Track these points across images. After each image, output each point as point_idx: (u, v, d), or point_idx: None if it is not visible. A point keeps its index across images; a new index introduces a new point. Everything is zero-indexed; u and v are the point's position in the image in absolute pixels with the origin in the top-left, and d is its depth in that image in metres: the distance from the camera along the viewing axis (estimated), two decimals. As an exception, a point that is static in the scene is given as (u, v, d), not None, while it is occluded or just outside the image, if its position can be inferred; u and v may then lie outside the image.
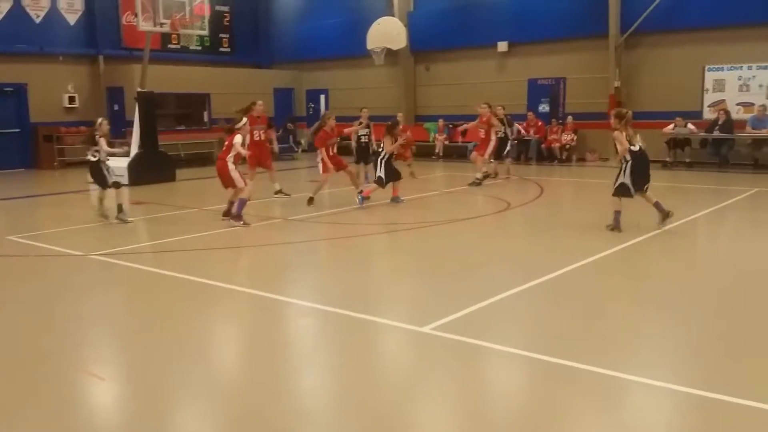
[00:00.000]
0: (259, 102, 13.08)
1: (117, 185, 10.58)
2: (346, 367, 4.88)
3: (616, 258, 7.85)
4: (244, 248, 8.92)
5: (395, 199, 12.06)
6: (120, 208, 10.51)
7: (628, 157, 8.87)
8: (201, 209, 11.89)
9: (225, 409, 4.19)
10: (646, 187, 9.04)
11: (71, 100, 20.64)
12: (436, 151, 21.32)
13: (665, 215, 9.05)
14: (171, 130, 20.87)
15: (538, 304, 6.24)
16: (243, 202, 10.12)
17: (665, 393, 4.23)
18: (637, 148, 8.93)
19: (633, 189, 8.93)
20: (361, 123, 14.32)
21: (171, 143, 19.92)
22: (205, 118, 22.63)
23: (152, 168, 15.95)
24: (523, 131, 19.06)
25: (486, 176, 14.59)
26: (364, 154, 14.28)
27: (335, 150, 12.29)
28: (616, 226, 9.04)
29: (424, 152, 21.86)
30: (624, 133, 8.83)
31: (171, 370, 4.80)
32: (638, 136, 9.05)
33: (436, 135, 21.58)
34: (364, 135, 14.34)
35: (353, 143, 14.53)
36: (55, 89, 20.34)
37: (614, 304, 6.20)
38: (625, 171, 8.93)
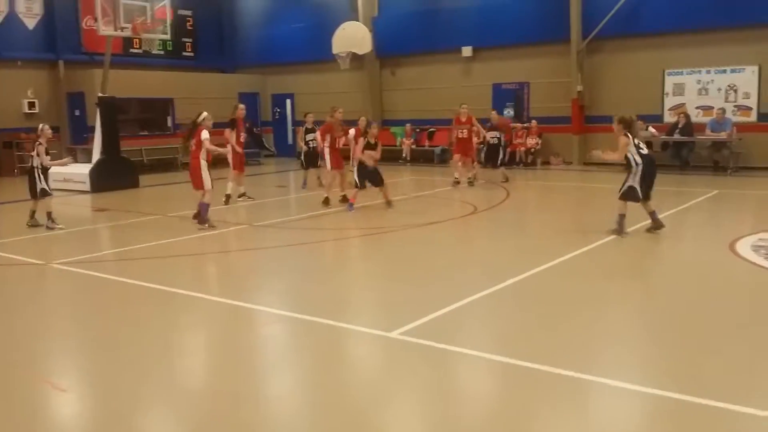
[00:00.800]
0: (241, 106, 13.22)
1: (44, 193, 10.35)
2: (313, 373, 4.85)
3: (581, 260, 7.93)
4: (209, 255, 8.82)
5: (388, 204, 11.86)
6: (49, 216, 10.34)
7: (639, 161, 8.74)
8: (165, 215, 11.73)
9: (191, 416, 4.13)
10: (649, 194, 8.98)
11: (31, 105, 20.24)
12: (403, 155, 21.38)
13: (659, 225, 9.05)
14: (134, 136, 20.59)
15: (505, 307, 6.27)
16: (205, 207, 10.00)
17: (631, 394, 4.28)
18: (645, 152, 8.90)
19: (641, 194, 8.82)
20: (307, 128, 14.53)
21: (134, 149, 19.68)
22: (169, 124, 22.36)
23: (115, 174, 15.70)
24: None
25: (467, 181, 14.85)
26: (312, 159, 14.48)
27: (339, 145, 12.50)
28: (621, 231, 8.91)
29: (391, 157, 21.91)
30: (630, 139, 8.78)
31: (136, 379, 4.72)
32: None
33: (403, 139, 21.63)
34: (312, 140, 14.36)
35: (302, 147, 14.67)
36: (14, 95, 19.92)
37: (580, 306, 6.26)
38: (635, 175, 8.79)
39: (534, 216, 12.30)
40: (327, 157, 12.54)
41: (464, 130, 14.70)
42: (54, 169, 16.29)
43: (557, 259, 7.79)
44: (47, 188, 10.38)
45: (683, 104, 17.48)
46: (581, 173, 17.80)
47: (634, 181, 8.82)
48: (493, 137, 15.10)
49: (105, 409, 4.29)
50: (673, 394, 4.18)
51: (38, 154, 10.24)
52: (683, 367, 4.73)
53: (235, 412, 4.14)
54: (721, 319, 5.76)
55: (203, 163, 10.01)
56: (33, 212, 10.56)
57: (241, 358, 5.17)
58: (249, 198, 13.02)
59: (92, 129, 16.90)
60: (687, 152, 17.09)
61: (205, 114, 10.19)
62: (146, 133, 21.74)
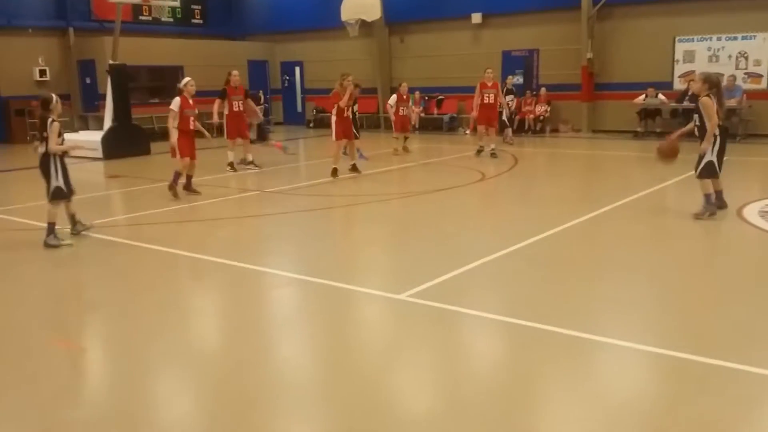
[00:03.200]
0: (234, 72, 13.06)
1: (59, 194, 7.55)
2: (324, 335, 5.00)
3: (589, 226, 8.03)
4: (221, 220, 8.97)
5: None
6: (72, 219, 7.90)
7: (717, 132, 7.83)
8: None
9: (204, 378, 4.27)
10: (720, 168, 8.03)
11: (42, 73, 20.31)
12: (412, 123, 21.36)
13: (724, 205, 8.20)
14: (144, 104, 20.65)
15: (513, 270, 6.40)
16: (177, 174, 10.02)
17: (638, 354, 4.41)
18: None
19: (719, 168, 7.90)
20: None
21: (145, 116, 19.75)
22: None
23: (126, 142, 15.83)
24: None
25: (490, 152, 14.25)
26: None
27: (350, 114, 12.13)
28: (711, 212, 7.93)
29: (400, 124, 21.95)
30: (714, 104, 7.71)
31: (150, 341, 4.88)
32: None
33: (412, 107, 21.60)
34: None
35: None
36: (26, 62, 19.99)
37: (588, 270, 6.38)
38: (713, 148, 7.86)
39: (543, 182, 12.37)
40: (333, 126, 12.27)
41: (491, 95, 14.15)
42: (67, 136, 16.57)
43: (565, 225, 7.89)
44: (63, 187, 7.56)
45: (693, 71, 17.35)
46: (590, 140, 17.81)
47: (713, 155, 7.87)
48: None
49: (120, 370, 4.45)
50: (679, 354, 4.29)
51: (50, 137, 7.36)
52: (690, 328, 4.86)
53: (248, 373, 4.28)
54: (729, 283, 5.87)
55: (173, 132, 9.90)
56: (72, 216, 7.89)
57: (253, 320, 5.33)
58: (256, 166, 13.07)
59: (103, 96, 17.00)
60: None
61: (186, 80, 10.06)
62: (157, 100, 21.77)
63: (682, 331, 4.79)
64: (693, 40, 17.40)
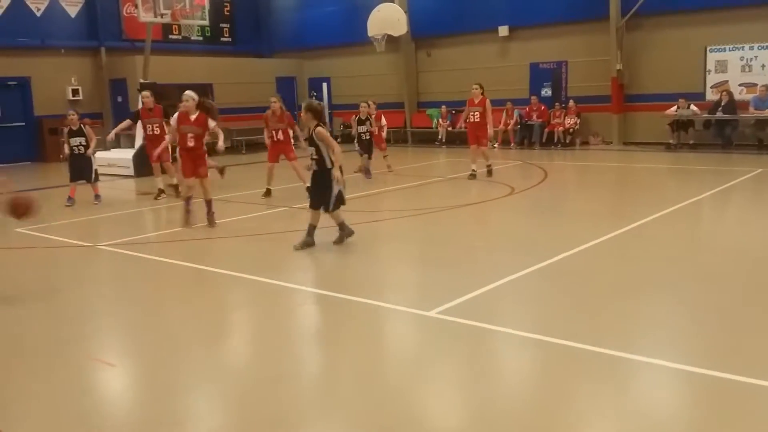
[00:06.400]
0: (145, 93, 12.79)
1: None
2: (353, 352, 4.95)
3: (620, 241, 7.89)
4: (249, 237, 8.99)
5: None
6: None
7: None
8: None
9: (233, 393, 4.26)
10: None
11: (75, 92, 20.71)
12: (439, 137, 21.37)
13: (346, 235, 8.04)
14: (175, 121, 20.87)
15: (543, 286, 6.30)
16: (186, 200, 9.66)
17: (672, 373, 4.29)
18: None
19: None
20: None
21: (175, 134, 19.94)
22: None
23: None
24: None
25: (486, 170, 13.52)
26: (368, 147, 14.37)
27: (279, 137, 12.00)
28: (340, 239, 7.97)
29: (427, 139, 21.94)
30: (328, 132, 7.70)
31: (180, 357, 4.89)
32: None
33: (439, 121, 21.60)
34: (363, 131, 14.28)
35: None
36: (59, 82, 20.41)
37: (619, 286, 6.25)
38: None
39: (572, 197, 12.23)
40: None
41: (476, 112, 13.21)
42: (99, 155, 16.82)
43: (597, 240, 7.77)
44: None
45: (726, 81, 17.11)
46: (621, 153, 17.59)
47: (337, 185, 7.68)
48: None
49: (151, 385, 4.46)
50: (714, 372, 4.18)
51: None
52: (724, 347, 4.72)
53: (277, 389, 4.26)
54: (764, 300, 5.71)
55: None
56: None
57: (282, 336, 5.31)
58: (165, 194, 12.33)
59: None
60: (730, 131, 16.76)
61: (186, 93, 9.69)
62: (186, 118, 22.02)
63: (718, 350, 4.65)
64: (725, 49, 17.13)
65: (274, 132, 12.10)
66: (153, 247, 8.59)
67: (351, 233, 8.04)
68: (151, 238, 9.25)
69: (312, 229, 7.85)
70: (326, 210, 7.78)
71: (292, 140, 12.28)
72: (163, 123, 12.18)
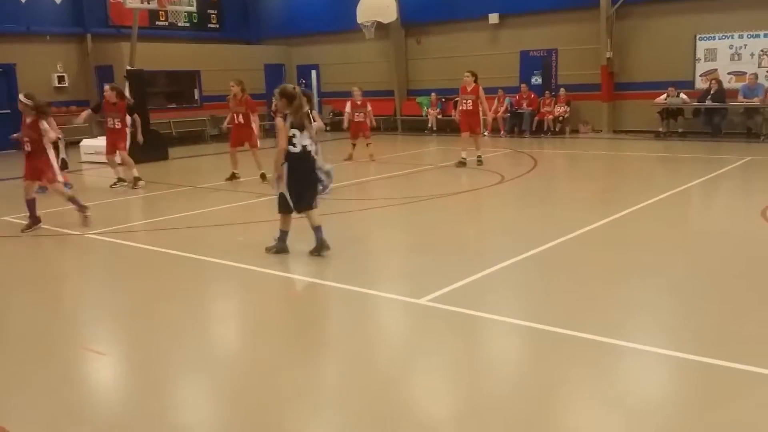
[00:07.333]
0: (107, 86, 12.77)
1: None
2: (343, 339, 4.93)
3: (608, 229, 7.89)
4: (239, 225, 8.93)
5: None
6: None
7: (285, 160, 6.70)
8: (195, 187, 11.87)
9: (223, 383, 4.23)
10: None
11: (60, 79, 20.46)
12: (429, 125, 21.31)
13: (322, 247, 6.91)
14: (162, 109, 20.73)
15: (533, 274, 6.29)
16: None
17: (660, 359, 4.30)
18: None
19: None
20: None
21: (162, 121, 19.82)
22: (196, 96, 22.48)
23: (144, 147, 15.82)
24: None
25: (477, 159, 13.29)
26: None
27: (240, 120, 12.12)
28: (277, 249, 7.00)
29: (417, 127, 21.88)
30: (287, 126, 6.65)
31: (170, 345, 4.84)
32: None
33: (429, 109, 21.54)
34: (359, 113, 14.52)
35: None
36: (44, 69, 20.13)
37: (608, 273, 6.26)
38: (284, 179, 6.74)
39: (561, 185, 12.23)
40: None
41: (468, 100, 13.20)
42: (86, 142, 16.67)
43: (587, 227, 7.76)
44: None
45: (715, 70, 17.14)
46: (611, 141, 17.62)
47: (284, 187, 6.76)
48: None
49: (142, 374, 4.41)
50: (701, 358, 4.19)
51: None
52: (711, 332, 4.73)
53: (268, 379, 4.23)
54: (751, 286, 5.72)
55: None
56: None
57: (271, 325, 5.28)
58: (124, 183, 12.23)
59: (121, 102, 17.04)
60: (719, 119, 16.82)
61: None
62: (174, 105, 21.88)
63: (707, 336, 4.66)
64: (714, 38, 17.14)
65: (234, 116, 12.17)
66: (142, 235, 8.52)
67: (283, 250, 7.01)
68: (138, 227, 9.17)
69: (317, 230, 6.91)
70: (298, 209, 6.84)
71: (253, 125, 12.23)
72: (125, 118, 12.17)
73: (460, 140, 13.57)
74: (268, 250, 7.03)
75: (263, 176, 11.44)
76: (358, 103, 14.69)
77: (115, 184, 12.20)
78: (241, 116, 12.05)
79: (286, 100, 6.63)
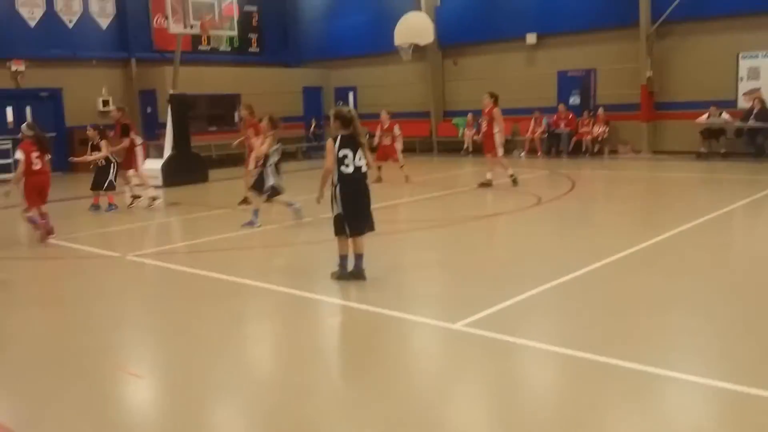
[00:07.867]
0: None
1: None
2: (378, 364, 4.92)
3: (649, 253, 7.75)
4: (276, 248, 9.02)
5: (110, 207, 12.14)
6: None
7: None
8: (234, 209, 12.02)
9: (259, 406, 4.26)
10: None
11: (105, 103, 20.99)
12: (465, 146, 21.28)
13: None
14: (203, 132, 21.11)
15: (570, 300, 6.21)
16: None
17: (700, 388, 4.20)
18: None
19: None
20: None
21: (203, 144, 20.16)
22: (236, 119, 22.80)
23: (185, 169, 16.16)
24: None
25: (511, 178, 13.18)
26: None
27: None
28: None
29: (453, 148, 21.86)
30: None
31: (206, 367, 4.89)
32: None
33: (465, 130, 21.52)
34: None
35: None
36: (90, 93, 20.72)
37: (647, 300, 6.14)
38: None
39: (600, 207, 12.08)
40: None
41: (484, 122, 13.53)
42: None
43: (626, 251, 7.64)
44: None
45: (758, 89, 16.81)
46: (651, 162, 17.37)
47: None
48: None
49: (177, 396, 4.46)
50: (742, 387, 4.09)
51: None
52: (753, 362, 4.61)
53: (302, 402, 4.24)
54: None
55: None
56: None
57: (307, 348, 5.29)
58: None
59: (164, 125, 17.44)
60: (762, 139, 16.46)
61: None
62: (215, 128, 22.26)
63: (745, 365, 4.53)
64: (758, 56, 16.84)
65: (246, 139, 12.37)
66: (181, 257, 8.65)
67: (343, 276, 6.94)
68: (178, 249, 9.31)
69: (358, 257, 6.90)
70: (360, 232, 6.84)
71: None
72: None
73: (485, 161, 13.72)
74: (332, 275, 6.97)
75: (244, 200, 11.74)
76: (385, 126, 14.78)
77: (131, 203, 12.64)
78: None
79: (340, 122, 6.72)
